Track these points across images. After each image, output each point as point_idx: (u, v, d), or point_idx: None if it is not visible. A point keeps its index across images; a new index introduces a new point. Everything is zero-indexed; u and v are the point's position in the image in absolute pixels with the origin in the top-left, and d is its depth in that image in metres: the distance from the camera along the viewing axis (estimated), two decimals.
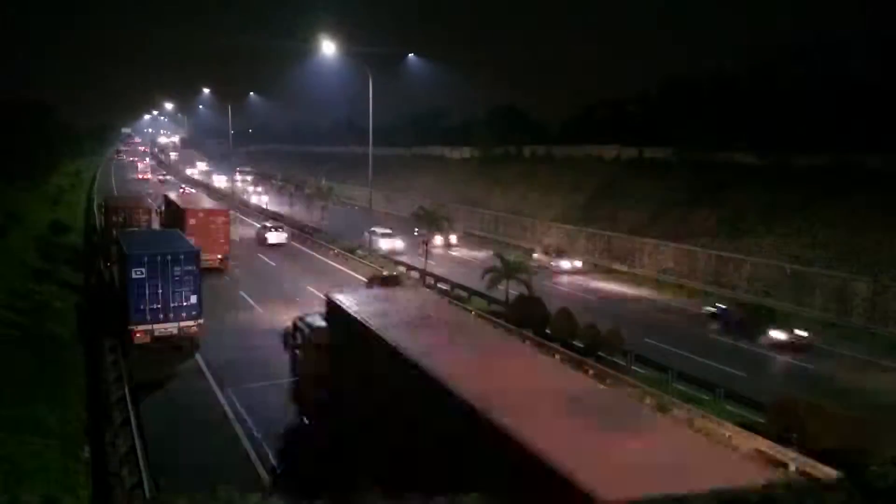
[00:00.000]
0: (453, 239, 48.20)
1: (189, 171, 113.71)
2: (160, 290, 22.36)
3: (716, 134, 43.73)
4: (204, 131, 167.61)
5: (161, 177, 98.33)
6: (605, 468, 7.00)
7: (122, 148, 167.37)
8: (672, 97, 52.91)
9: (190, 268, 22.83)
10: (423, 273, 35.13)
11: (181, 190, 70.12)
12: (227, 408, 18.72)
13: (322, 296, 16.80)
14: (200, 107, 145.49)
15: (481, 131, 70.58)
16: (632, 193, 46.39)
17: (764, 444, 15.97)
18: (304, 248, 46.59)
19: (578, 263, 40.70)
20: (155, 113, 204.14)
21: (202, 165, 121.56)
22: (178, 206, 38.43)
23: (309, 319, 16.39)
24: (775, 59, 46.64)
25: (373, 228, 45.52)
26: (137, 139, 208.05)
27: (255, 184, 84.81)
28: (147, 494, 12.67)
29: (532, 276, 28.93)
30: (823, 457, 14.77)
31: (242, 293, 32.26)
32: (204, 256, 25.73)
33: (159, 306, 22.37)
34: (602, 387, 12.05)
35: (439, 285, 33.60)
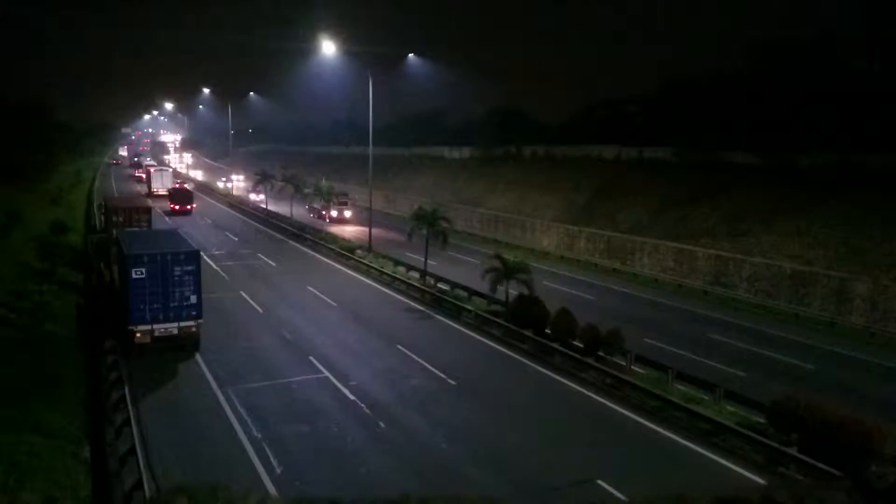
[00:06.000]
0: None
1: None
2: (160, 290, 22.34)
3: (716, 134, 43.76)
4: (204, 131, 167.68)
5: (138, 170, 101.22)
6: None
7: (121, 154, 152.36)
8: (672, 97, 52.93)
9: (190, 268, 22.78)
10: (423, 273, 35.14)
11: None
12: (227, 407, 18.72)
13: None
14: (200, 107, 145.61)
15: (481, 131, 70.60)
16: (632, 193, 46.40)
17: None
18: (301, 247, 46.67)
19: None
20: (155, 113, 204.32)
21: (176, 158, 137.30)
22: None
23: None
24: (775, 58, 46.65)
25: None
26: (137, 140, 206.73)
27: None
28: (147, 494, 12.66)
29: None
30: (823, 457, 14.79)
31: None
32: None
33: (159, 306, 22.34)
34: None
35: (439, 285, 33.62)
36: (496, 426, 18.09)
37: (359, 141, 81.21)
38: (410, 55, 67.89)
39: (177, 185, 72.16)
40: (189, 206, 61.93)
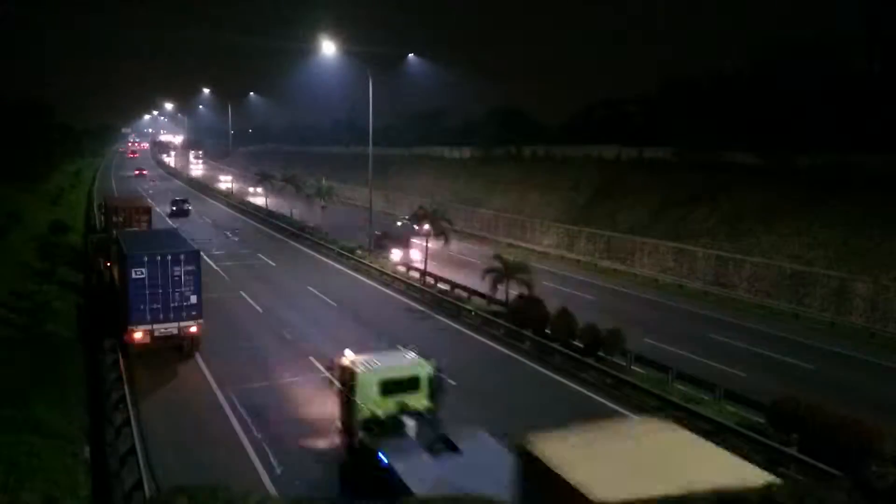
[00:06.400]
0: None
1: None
2: (160, 290, 22.32)
3: (716, 134, 43.71)
4: (204, 131, 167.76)
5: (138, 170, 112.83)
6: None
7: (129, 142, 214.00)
8: (672, 97, 52.88)
9: (190, 268, 22.76)
10: (423, 273, 35.15)
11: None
12: (227, 407, 18.72)
13: None
14: (200, 107, 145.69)
15: (481, 131, 70.55)
16: (632, 193, 46.39)
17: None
18: (302, 247, 46.65)
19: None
20: (155, 113, 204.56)
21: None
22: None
23: None
24: (775, 58, 46.61)
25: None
26: (137, 141, 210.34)
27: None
28: (147, 494, 12.66)
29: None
30: (823, 457, 14.78)
31: None
32: None
33: (159, 306, 22.31)
34: None
35: (439, 285, 33.62)
36: (496, 426, 18.04)
37: (359, 141, 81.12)
38: (410, 55, 68.01)
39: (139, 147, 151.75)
40: (136, 155, 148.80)
